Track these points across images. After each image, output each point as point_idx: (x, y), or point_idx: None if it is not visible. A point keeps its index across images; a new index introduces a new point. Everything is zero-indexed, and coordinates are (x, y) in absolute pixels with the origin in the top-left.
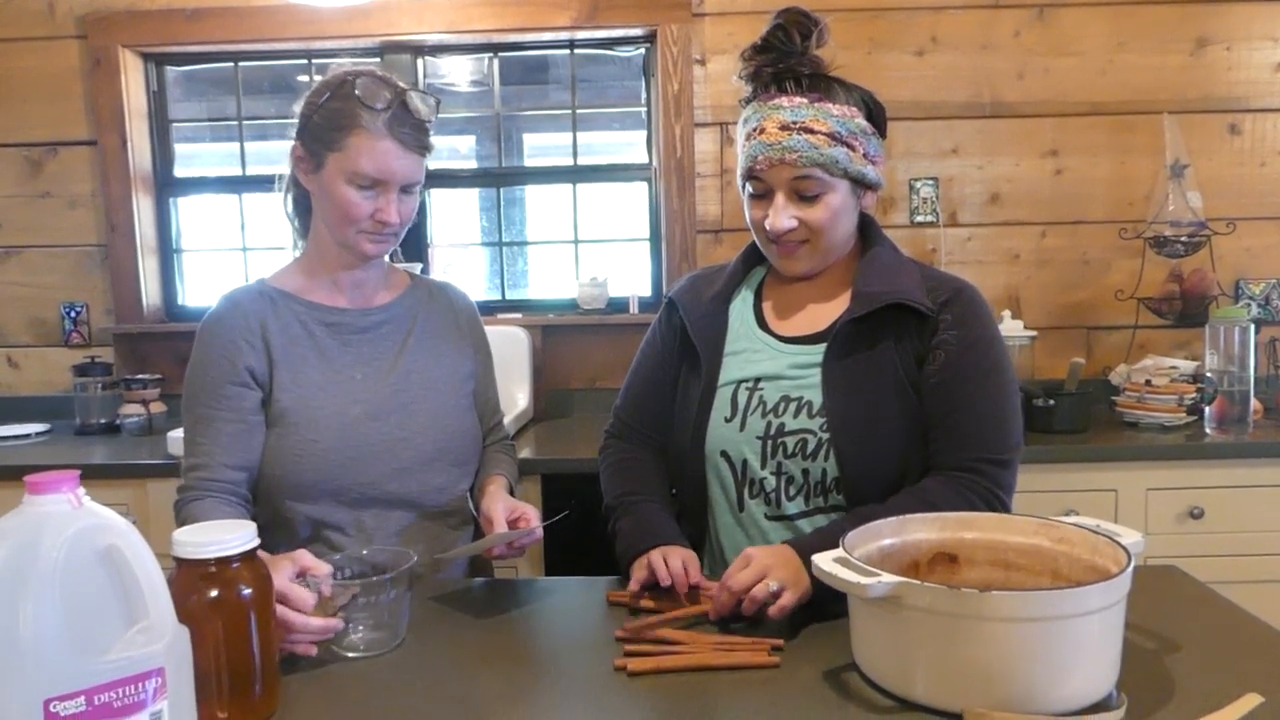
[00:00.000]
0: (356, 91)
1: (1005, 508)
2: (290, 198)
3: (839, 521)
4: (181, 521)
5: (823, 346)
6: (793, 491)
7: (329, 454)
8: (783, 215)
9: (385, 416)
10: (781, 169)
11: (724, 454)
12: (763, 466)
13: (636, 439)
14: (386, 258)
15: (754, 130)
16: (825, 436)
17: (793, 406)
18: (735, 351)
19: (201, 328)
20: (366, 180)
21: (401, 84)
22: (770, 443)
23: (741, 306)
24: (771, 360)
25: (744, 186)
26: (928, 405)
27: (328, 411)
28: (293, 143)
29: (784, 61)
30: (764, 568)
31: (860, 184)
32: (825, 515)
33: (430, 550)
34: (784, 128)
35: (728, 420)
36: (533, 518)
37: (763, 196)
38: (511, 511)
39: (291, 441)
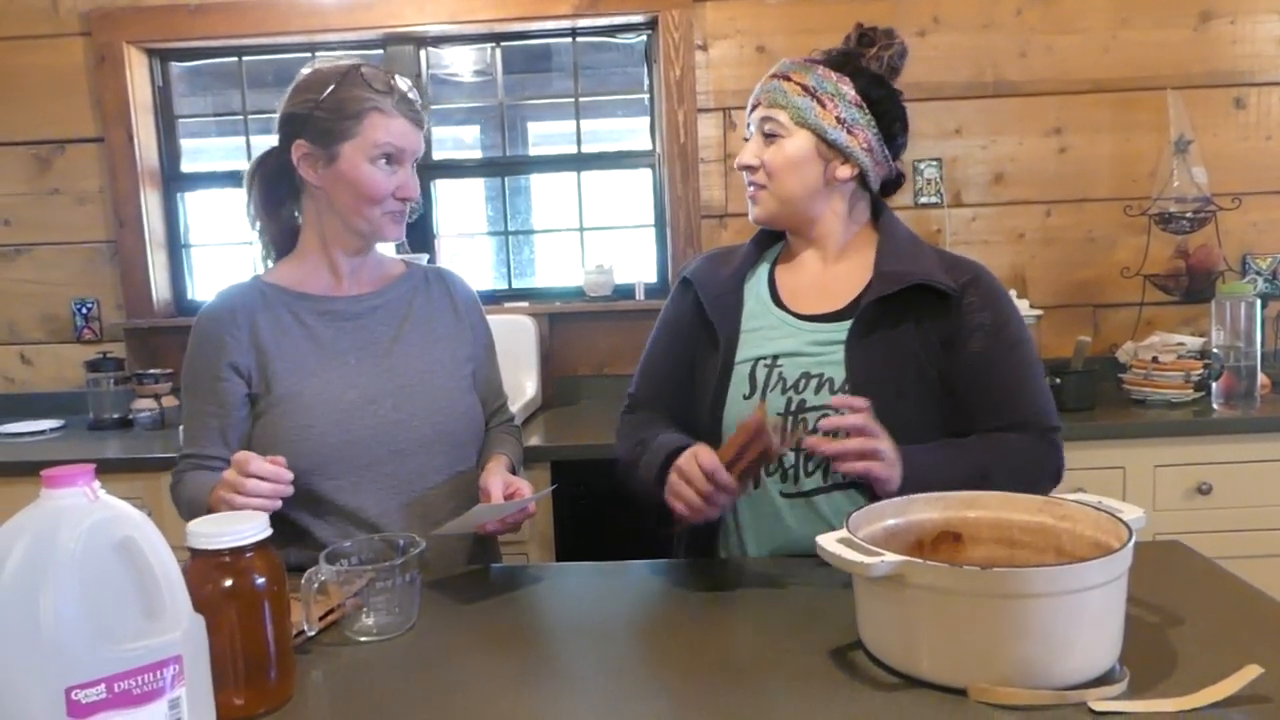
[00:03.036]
0: (365, 79)
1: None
2: (256, 221)
3: (942, 445)
4: (177, 494)
5: (842, 324)
6: (811, 467)
7: (325, 437)
8: (747, 151)
9: (381, 400)
10: (757, 110)
11: None
12: (782, 442)
13: (651, 412)
14: (378, 247)
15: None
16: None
17: (813, 383)
18: (752, 329)
19: (194, 323)
20: (391, 152)
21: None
22: (791, 419)
23: (757, 285)
24: (790, 338)
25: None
26: (970, 384)
27: (323, 397)
28: (276, 144)
29: (859, 59)
30: (878, 435)
31: (824, 142)
32: (842, 491)
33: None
34: (773, 75)
35: (746, 397)
36: (526, 492)
37: (749, 140)
38: (507, 486)
39: (287, 427)
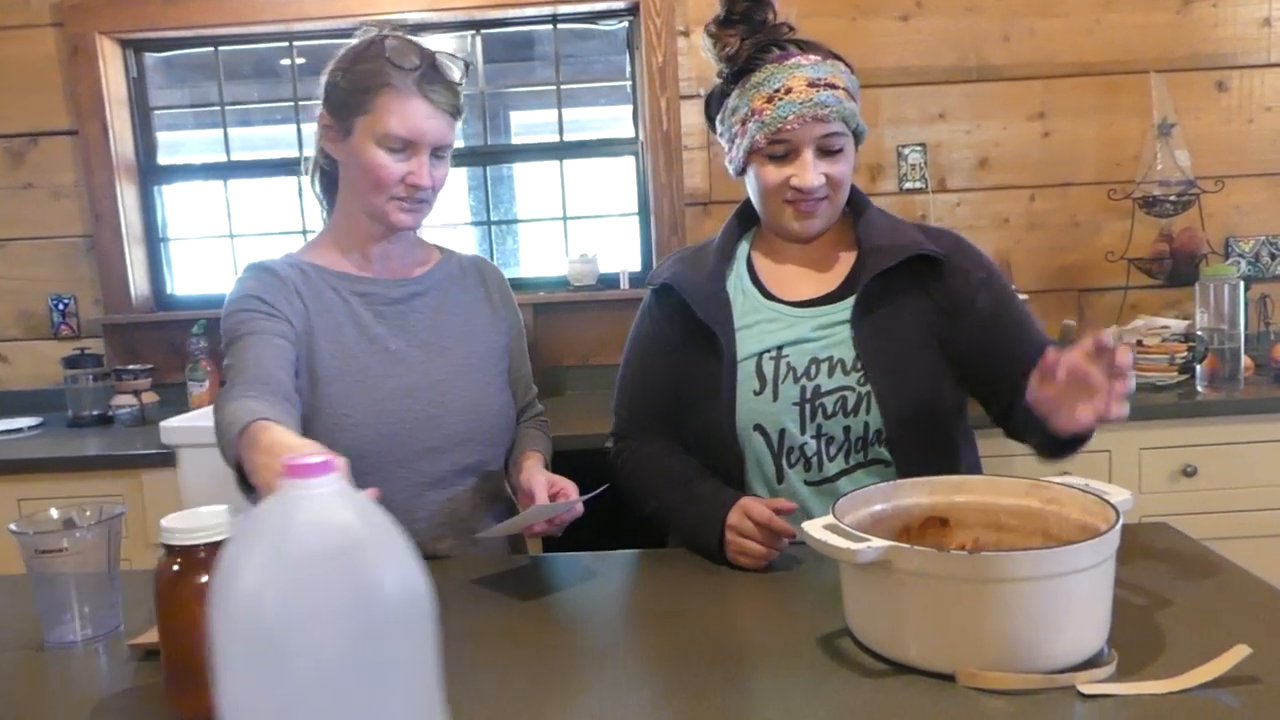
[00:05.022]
0: (385, 52)
1: None
2: (318, 176)
3: None
4: (224, 415)
5: (841, 305)
6: (833, 451)
7: (362, 429)
8: (813, 171)
9: (419, 393)
10: (814, 125)
11: (758, 427)
12: (802, 432)
13: (647, 435)
14: (414, 231)
15: (779, 91)
16: (865, 390)
17: (825, 367)
18: (747, 325)
19: (232, 290)
20: (397, 142)
21: (429, 48)
22: (808, 406)
23: (739, 280)
24: (790, 327)
25: (752, 151)
26: (986, 340)
27: (364, 385)
28: (319, 111)
29: (760, 30)
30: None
31: (857, 139)
32: (865, 471)
33: (461, 530)
34: (812, 84)
35: (757, 393)
36: (571, 492)
37: (784, 158)
38: (551, 485)
39: (325, 417)
